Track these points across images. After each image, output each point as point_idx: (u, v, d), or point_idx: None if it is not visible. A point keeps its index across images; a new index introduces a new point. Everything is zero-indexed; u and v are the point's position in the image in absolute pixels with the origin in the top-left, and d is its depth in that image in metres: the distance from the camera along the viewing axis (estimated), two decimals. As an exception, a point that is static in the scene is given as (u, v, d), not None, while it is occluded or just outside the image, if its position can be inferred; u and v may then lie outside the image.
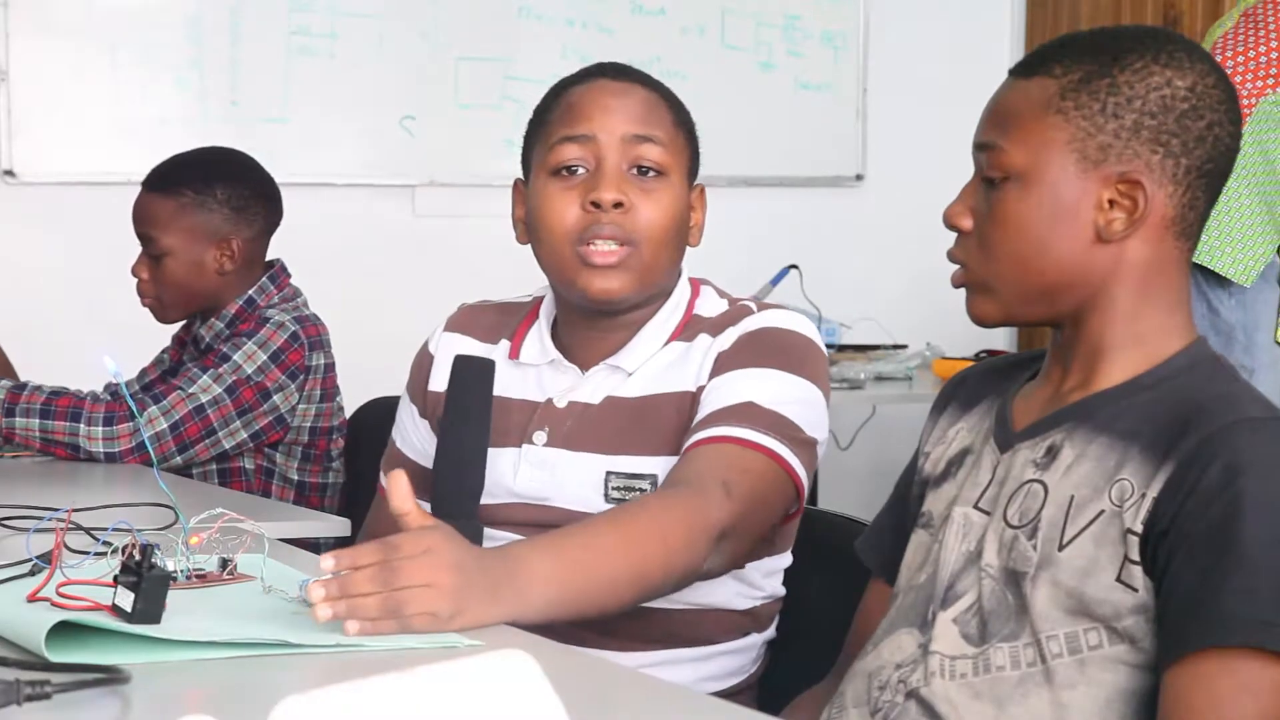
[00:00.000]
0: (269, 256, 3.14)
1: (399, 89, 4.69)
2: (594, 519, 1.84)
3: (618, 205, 1.98)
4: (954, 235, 1.68)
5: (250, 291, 3.04)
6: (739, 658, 2.05)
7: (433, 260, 4.77)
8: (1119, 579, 1.53)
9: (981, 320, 1.67)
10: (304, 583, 1.58)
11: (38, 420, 2.84)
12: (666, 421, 1.98)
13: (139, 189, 3.09)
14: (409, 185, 4.75)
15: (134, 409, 2.84)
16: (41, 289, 4.42)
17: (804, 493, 1.96)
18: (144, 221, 3.06)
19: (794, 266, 4.76)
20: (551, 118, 2.05)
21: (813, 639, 2.05)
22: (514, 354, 2.09)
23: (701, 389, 1.97)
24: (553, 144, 2.02)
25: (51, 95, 4.44)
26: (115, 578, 1.56)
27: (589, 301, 2.02)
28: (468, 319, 2.17)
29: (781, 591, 2.09)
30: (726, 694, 2.02)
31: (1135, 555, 1.52)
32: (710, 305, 2.06)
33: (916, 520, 1.75)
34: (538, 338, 2.09)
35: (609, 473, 1.99)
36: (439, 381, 2.13)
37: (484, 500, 2.05)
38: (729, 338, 2.00)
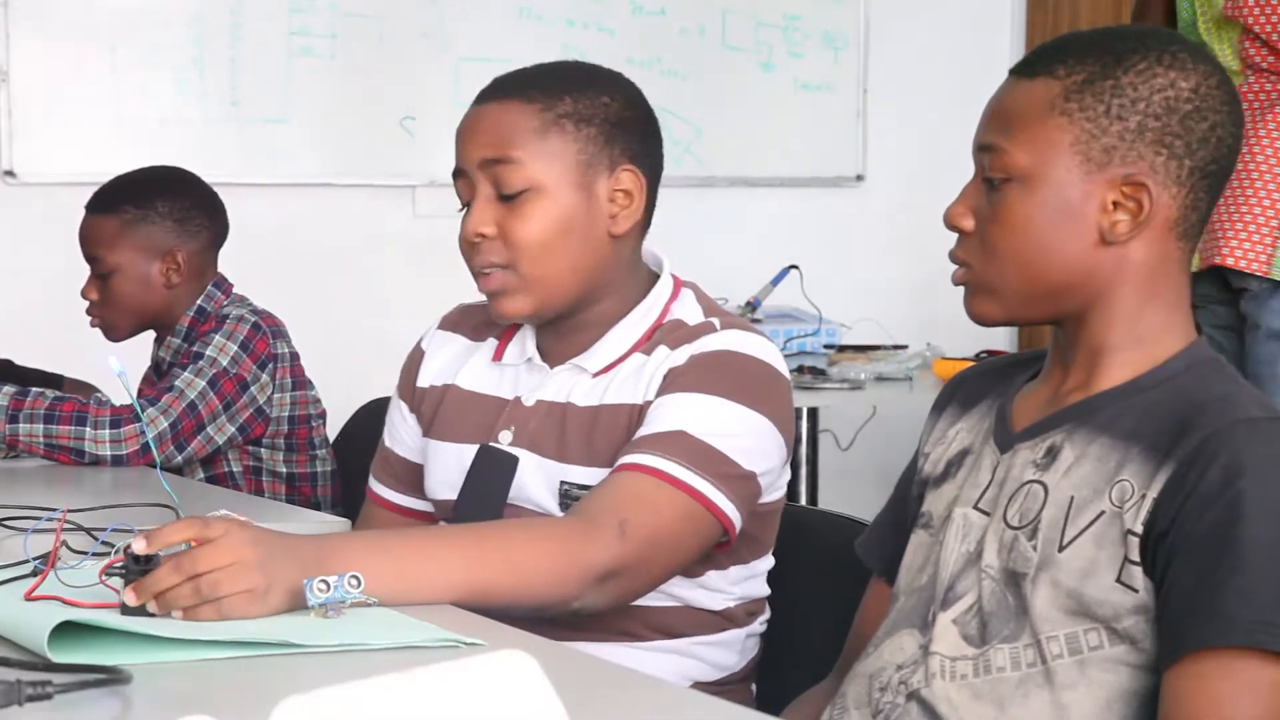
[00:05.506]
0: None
1: (399, 89, 4.68)
2: (449, 528, 1.88)
3: (481, 236, 1.98)
4: (954, 235, 1.68)
5: (199, 301, 3.08)
6: (720, 650, 2.04)
7: (433, 260, 4.74)
8: (1119, 580, 1.53)
9: (981, 319, 1.67)
10: (308, 583, 1.59)
11: (42, 425, 2.83)
12: (619, 434, 1.96)
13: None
14: (409, 185, 4.74)
15: (138, 408, 2.84)
16: (41, 289, 4.41)
17: (733, 527, 1.92)
18: (90, 243, 3.10)
19: (794, 266, 4.76)
20: None
21: (812, 639, 2.05)
22: (497, 355, 2.10)
23: (649, 403, 1.95)
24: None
25: (51, 95, 4.43)
26: (116, 570, 1.58)
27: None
28: (460, 317, 2.18)
29: (763, 592, 2.07)
30: (716, 686, 2.02)
31: (1135, 556, 1.52)
32: (685, 312, 2.02)
33: (916, 521, 1.75)
34: (521, 339, 2.09)
35: (562, 482, 1.98)
36: (427, 377, 2.14)
37: (445, 495, 2.07)
38: (683, 354, 1.96)
